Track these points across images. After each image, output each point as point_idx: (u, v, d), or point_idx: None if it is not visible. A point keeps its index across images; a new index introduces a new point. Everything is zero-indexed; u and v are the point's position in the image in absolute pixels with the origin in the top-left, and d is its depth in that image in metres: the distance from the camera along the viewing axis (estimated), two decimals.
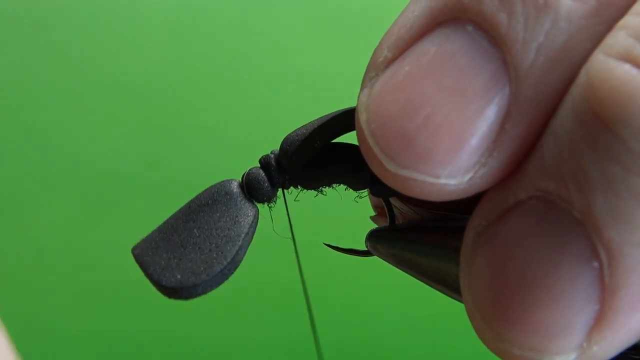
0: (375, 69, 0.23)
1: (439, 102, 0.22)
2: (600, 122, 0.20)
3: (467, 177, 0.22)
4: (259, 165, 0.30)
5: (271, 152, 0.30)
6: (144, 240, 0.28)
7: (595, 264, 0.20)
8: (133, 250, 0.28)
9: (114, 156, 0.90)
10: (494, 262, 0.22)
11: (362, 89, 0.24)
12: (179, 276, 0.26)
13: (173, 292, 0.27)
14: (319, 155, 0.29)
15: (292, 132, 0.29)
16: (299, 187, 0.31)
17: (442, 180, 0.22)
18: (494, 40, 0.22)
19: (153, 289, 0.28)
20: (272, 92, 0.90)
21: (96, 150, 0.91)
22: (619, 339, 0.21)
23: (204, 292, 0.27)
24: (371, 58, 0.24)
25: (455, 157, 0.22)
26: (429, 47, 0.22)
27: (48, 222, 0.87)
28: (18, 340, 0.82)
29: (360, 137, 0.23)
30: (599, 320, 0.21)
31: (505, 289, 0.22)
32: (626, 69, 0.20)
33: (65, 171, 0.90)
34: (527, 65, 0.21)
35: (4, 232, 0.87)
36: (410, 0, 0.24)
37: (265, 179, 0.30)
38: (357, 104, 0.24)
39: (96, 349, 0.81)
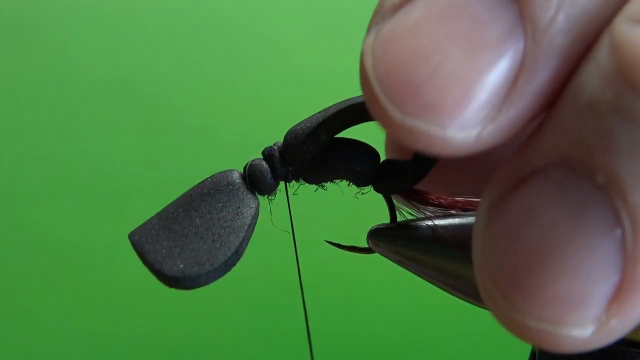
0: (383, 12, 0.22)
1: (450, 51, 0.21)
2: (629, 85, 0.19)
3: (474, 132, 0.21)
4: (262, 157, 0.30)
5: (274, 144, 0.30)
6: (141, 227, 0.28)
7: (618, 232, 0.20)
8: (130, 236, 0.27)
9: (114, 155, 0.90)
10: (510, 232, 0.21)
11: (367, 32, 0.23)
12: (181, 265, 0.26)
13: (175, 281, 0.26)
14: (324, 149, 0.29)
15: (296, 125, 0.29)
16: (301, 180, 0.30)
17: (449, 132, 0.21)
18: None
19: (153, 288, 0.27)
20: (272, 92, 0.90)
21: (96, 149, 0.90)
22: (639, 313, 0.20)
23: (207, 282, 0.26)
24: (377, 5, 0.23)
25: (464, 109, 0.21)
26: None
27: (47, 221, 0.87)
28: (18, 340, 0.82)
29: (364, 83, 0.22)
30: (619, 292, 0.20)
31: (522, 259, 0.21)
32: None
33: (65, 171, 0.90)
34: (546, 21, 0.21)
35: (3, 232, 0.87)
36: None
37: (268, 170, 0.29)
38: (362, 48, 0.22)
39: (96, 349, 0.81)
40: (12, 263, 0.85)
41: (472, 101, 0.21)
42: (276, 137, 0.31)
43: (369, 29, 0.23)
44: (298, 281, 0.31)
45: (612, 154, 0.20)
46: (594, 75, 0.20)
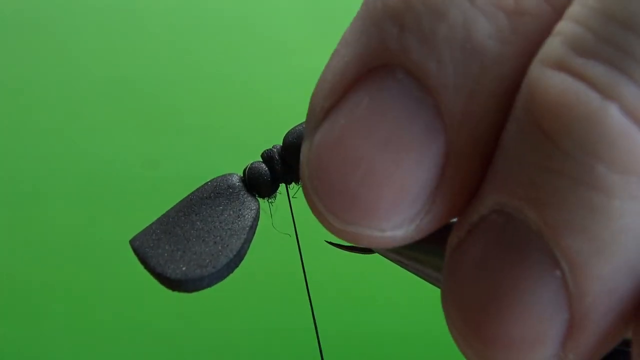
0: (315, 120, 0.23)
1: (375, 156, 0.21)
2: (543, 134, 0.20)
3: (412, 226, 0.22)
4: (261, 160, 0.30)
5: (273, 147, 0.30)
6: (142, 233, 0.28)
7: (558, 273, 0.20)
8: (132, 242, 0.27)
9: (114, 155, 0.90)
10: (465, 279, 0.22)
11: (304, 140, 0.23)
12: (184, 268, 0.26)
13: (178, 284, 0.26)
14: None
15: (296, 126, 0.29)
16: (300, 182, 0.30)
17: (389, 233, 0.22)
18: (425, 88, 0.21)
19: (153, 288, 0.28)
20: (272, 92, 0.90)
21: (95, 149, 0.91)
22: (595, 345, 0.21)
23: (210, 285, 0.27)
24: (309, 106, 0.24)
25: (398, 210, 0.21)
26: (362, 98, 0.22)
27: (47, 221, 0.87)
28: (18, 340, 0.82)
29: (304, 192, 0.23)
30: (571, 328, 0.21)
31: (477, 306, 0.21)
32: (562, 79, 0.20)
33: (64, 170, 0.90)
34: (461, 111, 0.21)
35: (3, 232, 0.87)
36: (339, 43, 0.24)
37: (268, 173, 0.30)
38: (301, 157, 0.23)
39: (96, 349, 0.81)
40: (12, 263, 0.85)
41: (404, 201, 0.21)
42: (276, 137, 0.31)
43: (304, 137, 0.23)
44: (297, 282, 0.32)
45: (538, 203, 0.20)
46: (514, 127, 0.21)
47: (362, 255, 0.34)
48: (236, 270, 0.27)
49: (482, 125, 0.21)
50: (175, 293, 0.27)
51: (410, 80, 0.21)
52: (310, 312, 0.32)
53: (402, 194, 0.21)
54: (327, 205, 0.22)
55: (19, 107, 0.95)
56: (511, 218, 0.21)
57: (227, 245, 0.27)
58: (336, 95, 0.23)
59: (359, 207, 0.21)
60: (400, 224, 0.22)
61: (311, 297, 0.32)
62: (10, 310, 0.83)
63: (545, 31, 0.21)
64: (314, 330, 0.32)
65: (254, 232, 0.28)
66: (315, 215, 0.23)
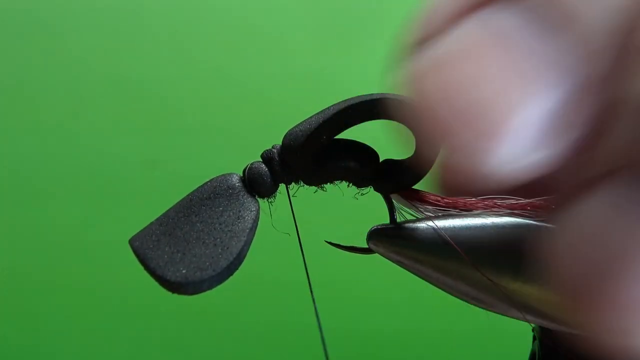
0: (423, 36, 0.22)
1: (505, 78, 0.20)
2: None
3: (532, 156, 0.21)
4: (261, 160, 0.30)
5: (273, 147, 0.30)
6: (142, 233, 0.28)
7: None
8: (131, 242, 0.27)
9: (114, 155, 0.90)
10: (588, 243, 0.20)
11: (404, 61, 0.22)
12: (184, 271, 0.26)
13: (178, 287, 0.26)
14: (323, 151, 0.29)
15: (295, 127, 0.29)
16: (300, 182, 0.30)
17: (509, 156, 0.20)
18: (563, 16, 0.20)
19: (154, 288, 0.27)
20: (272, 92, 0.90)
21: (95, 149, 0.90)
22: None
23: (210, 287, 0.26)
24: (411, 25, 0.22)
25: (526, 132, 0.20)
26: (495, 19, 0.21)
27: (46, 221, 0.87)
28: (18, 340, 0.82)
29: (416, 115, 0.21)
30: None
31: (602, 270, 0.19)
32: None
33: (64, 170, 0.90)
34: (599, 46, 0.20)
35: (3, 232, 0.87)
36: None
37: (268, 173, 0.29)
38: (407, 76, 0.21)
39: (96, 349, 0.81)
40: (12, 263, 0.85)
41: (533, 123, 0.20)
42: (276, 137, 0.31)
43: (405, 55, 0.22)
44: (296, 281, 0.32)
45: None
46: None
47: (362, 255, 0.34)
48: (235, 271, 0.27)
49: (623, 63, 0.20)
50: (176, 295, 0.27)
51: (548, 6, 0.20)
52: (312, 312, 0.32)
53: (533, 114, 0.20)
54: (448, 123, 0.20)
55: (19, 106, 0.95)
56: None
57: (227, 248, 0.27)
58: (458, 12, 0.21)
59: (487, 120, 0.20)
60: (521, 150, 0.20)
61: (313, 297, 0.32)
62: (10, 310, 0.83)
63: None
64: (312, 329, 0.32)
65: (254, 234, 0.28)
66: (431, 137, 0.21)
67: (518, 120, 0.20)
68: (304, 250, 0.31)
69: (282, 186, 0.31)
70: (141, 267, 0.27)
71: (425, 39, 0.22)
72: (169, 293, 0.27)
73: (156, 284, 0.27)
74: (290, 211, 0.30)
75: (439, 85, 0.20)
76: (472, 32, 0.21)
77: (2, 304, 0.83)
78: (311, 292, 0.30)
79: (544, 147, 0.20)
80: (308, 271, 0.30)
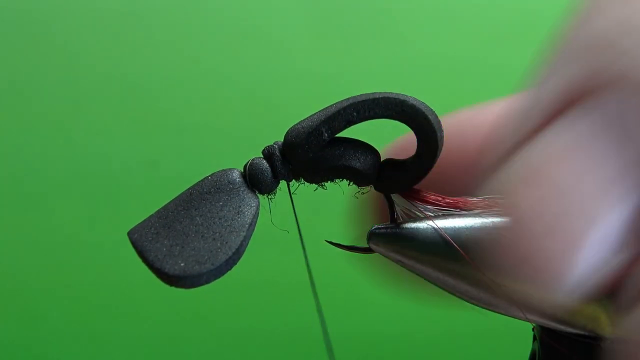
0: (509, 148, 0.22)
1: (580, 187, 0.20)
2: None
3: (603, 268, 0.21)
4: (262, 156, 0.30)
5: (274, 143, 0.30)
6: (141, 225, 0.28)
7: None
8: (130, 234, 0.27)
9: (114, 155, 0.90)
10: None
11: (492, 174, 0.22)
12: (182, 264, 0.26)
13: (176, 280, 0.26)
14: (324, 148, 0.29)
15: (297, 124, 0.29)
16: (301, 179, 0.30)
17: (581, 271, 0.20)
18: (636, 124, 0.20)
19: (154, 288, 0.27)
20: (272, 91, 0.90)
21: (95, 149, 0.90)
22: None
23: (208, 281, 0.26)
24: (496, 135, 0.23)
25: (596, 246, 0.20)
26: (572, 126, 0.20)
27: (46, 221, 0.87)
28: (18, 340, 0.82)
29: (515, 234, 0.21)
30: None
31: None
32: None
33: (64, 170, 0.90)
34: None
35: (3, 232, 0.87)
36: (535, 76, 0.22)
37: (269, 169, 0.29)
38: (499, 185, 0.22)
39: (96, 349, 0.81)
40: (12, 263, 0.85)
41: (603, 237, 0.20)
42: (276, 137, 0.31)
43: (487, 168, 0.22)
44: (296, 281, 0.31)
45: None
46: None
47: (362, 255, 0.34)
48: (235, 266, 0.27)
49: None
50: (176, 292, 0.27)
51: (624, 106, 0.20)
52: (312, 312, 0.31)
53: (602, 229, 0.20)
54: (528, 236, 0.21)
55: (17, 106, 0.95)
56: None
57: (226, 242, 0.27)
58: (540, 121, 0.21)
59: (560, 236, 0.20)
60: (595, 261, 0.20)
61: (312, 298, 0.32)
62: (10, 310, 0.83)
63: None
64: (311, 329, 0.32)
65: (253, 229, 0.28)
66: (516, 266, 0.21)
67: (597, 233, 0.20)
68: (300, 249, 0.31)
69: (282, 183, 0.31)
70: (141, 266, 0.27)
71: (509, 151, 0.22)
72: (169, 293, 0.27)
73: (156, 283, 0.27)
74: (292, 208, 0.30)
75: (527, 204, 0.21)
76: (551, 145, 0.21)
77: (2, 304, 0.83)
78: (314, 291, 0.30)
79: (620, 254, 0.21)
80: (310, 268, 0.30)
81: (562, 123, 0.21)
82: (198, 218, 0.27)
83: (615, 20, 0.20)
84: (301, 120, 0.29)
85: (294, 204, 0.31)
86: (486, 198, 0.29)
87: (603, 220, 0.20)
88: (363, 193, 0.32)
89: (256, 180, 0.29)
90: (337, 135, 0.30)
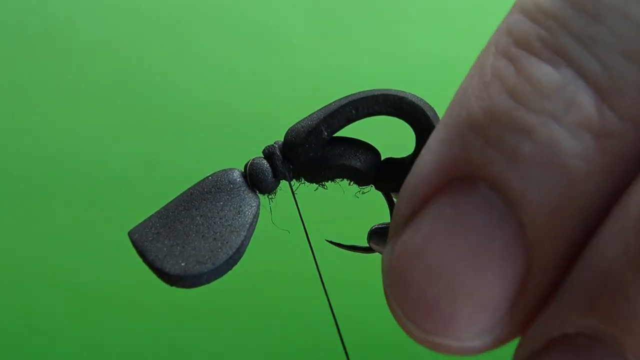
0: (396, 227, 0.23)
1: (457, 268, 0.22)
2: None
3: (490, 337, 0.22)
4: (262, 156, 0.30)
5: (275, 143, 0.30)
6: (141, 225, 0.28)
7: None
8: (130, 234, 0.27)
9: (114, 156, 0.90)
10: None
11: (386, 245, 0.24)
12: (183, 264, 0.26)
13: (177, 280, 0.26)
14: (324, 148, 0.29)
15: (297, 123, 0.29)
16: (301, 179, 0.30)
17: (466, 344, 0.22)
18: (508, 202, 0.21)
19: (154, 288, 0.27)
20: (272, 91, 0.90)
21: (95, 149, 0.90)
22: None
23: (208, 281, 0.26)
24: (394, 211, 0.24)
25: (477, 322, 0.22)
26: (445, 209, 0.22)
27: (46, 221, 0.87)
28: (18, 340, 0.82)
29: (387, 300, 0.23)
30: None
31: None
32: None
33: (64, 170, 0.90)
34: (545, 228, 0.21)
35: (3, 232, 0.87)
36: (424, 147, 0.24)
37: (269, 169, 0.29)
38: (382, 263, 0.24)
39: (96, 349, 0.81)
40: (12, 263, 0.85)
41: (484, 313, 0.22)
42: (276, 137, 0.31)
43: (387, 241, 0.24)
44: (294, 280, 0.31)
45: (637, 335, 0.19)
46: (610, 251, 0.20)
47: (363, 254, 0.34)
48: (234, 267, 0.27)
49: (566, 241, 0.21)
50: (174, 290, 0.27)
51: (493, 194, 0.21)
52: (311, 312, 0.31)
53: (482, 306, 0.22)
54: (406, 314, 0.22)
55: (18, 106, 0.95)
56: (602, 344, 0.20)
57: (227, 242, 0.27)
58: (418, 203, 0.23)
59: (439, 316, 0.22)
60: (479, 334, 0.22)
61: (311, 298, 0.32)
62: (10, 310, 0.83)
63: (630, 148, 0.21)
64: (311, 330, 0.32)
65: (254, 229, 0.28)
66: (396, 320, 0.23)
67: (481, 301, 0.22)
68: (310, 247, 0.31)
69: (283, 183, 0.30)
70: (141, 266, 0.27)
71: (403, 224, 0.23)
72: (169, 293, 0.27)
73: (156, 283, 0.27)
74: (296, 207, 0.30)
75: (402, 281, 0.23)
76: (433, 217, 0.22)
77: (2, 304, 0.83)
78: (323, 286, 0.30)
79: (510, 320, 0.22)
80: (318, 265, 0.30)
81: (445, 197, 0.22)
82: (199, 218, 0.27)
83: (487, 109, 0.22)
84: (301, 120, 0.29)
85: (292, 205, 0.31)
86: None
87: (479, 296, 0.22)
88: (364, 192, 0.32)
89: (257, 180, 0.29)
90: (337, 134, 0.30)
